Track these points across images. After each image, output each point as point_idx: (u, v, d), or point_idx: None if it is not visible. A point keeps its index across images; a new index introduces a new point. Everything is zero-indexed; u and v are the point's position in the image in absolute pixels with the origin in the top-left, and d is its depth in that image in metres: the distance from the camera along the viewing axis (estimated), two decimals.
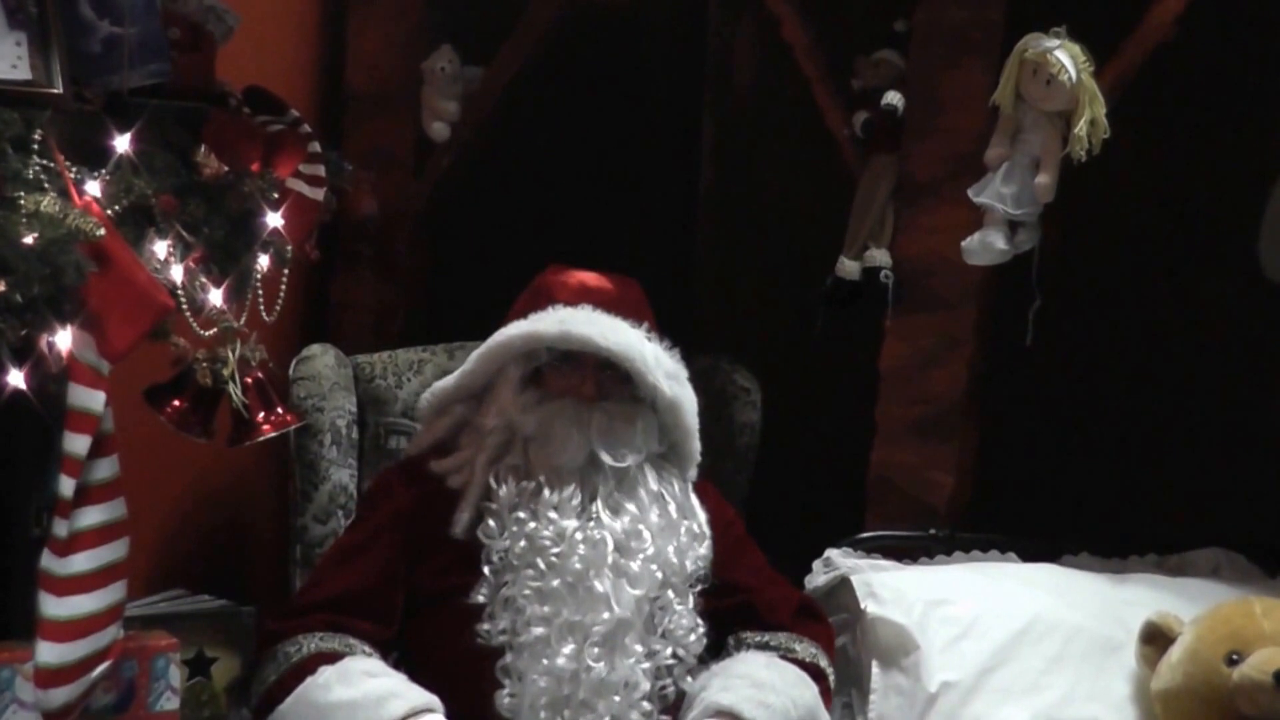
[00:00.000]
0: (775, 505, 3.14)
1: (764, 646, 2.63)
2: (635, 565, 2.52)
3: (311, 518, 2.99)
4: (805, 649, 2.65)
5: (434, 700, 2.43)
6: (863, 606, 2.85)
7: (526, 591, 2.48)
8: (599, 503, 2.55)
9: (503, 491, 2.55)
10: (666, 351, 2.62)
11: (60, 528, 2.33)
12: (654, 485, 2.60)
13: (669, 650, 2.54)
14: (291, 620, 2.57)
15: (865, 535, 3.06)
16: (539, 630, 2.47)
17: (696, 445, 2.68)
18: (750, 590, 2.67)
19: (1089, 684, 2.82)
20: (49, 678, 2.34)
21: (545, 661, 2.45)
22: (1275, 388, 3.39)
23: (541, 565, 2.49)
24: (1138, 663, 2.83)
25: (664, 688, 2.54)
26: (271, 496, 3.36)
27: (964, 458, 3.11)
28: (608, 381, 2.59)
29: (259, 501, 3.47)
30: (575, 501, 2.54)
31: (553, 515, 2.52)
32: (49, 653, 2.33)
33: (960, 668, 2.80)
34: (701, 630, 2.59)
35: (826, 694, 2.65)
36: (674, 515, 2.60)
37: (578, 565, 2.49)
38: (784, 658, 2.62)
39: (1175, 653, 2.75)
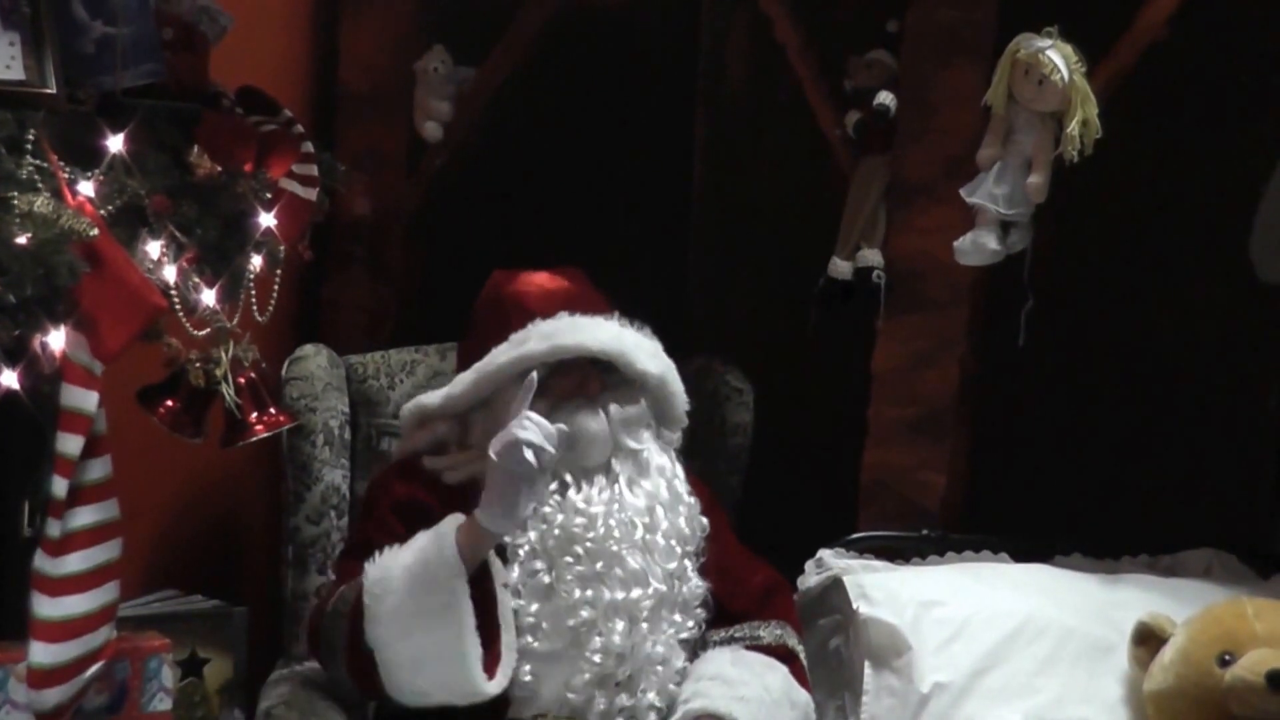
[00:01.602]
0: (768, 506, 3.14)
1: (729, 641, 2.68)
2: (660, 540, 2.60)
3: (304, 518, 2.98)
4: (770, 632, 2.70)
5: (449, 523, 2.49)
6: (855, 607, 2.85)
7: (569, 577, 2.54)
8: (620, 485, 2.62)
9: None
10: (639, 331, 2.70)
11: (53, 528, 2.33)
12: (659, 460, 2.68)
13: (689, 623, 2.62)
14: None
15: (858, 536, 3.06)
16: (586, 614, 2.53)
17: (683, 402, 2.75)
18: (710, 575, 2.69)
19: (1081, 685, 2.82)
20: (42, 678, 2.34)
21: (600, 639, 2.52)
22: (1266, 388, 3.38)
23: (580, 551, 2.55)
24: (1130, 664, 2.83)
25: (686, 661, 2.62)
26: (264, 497, 3.36)
27: (956, 458, 3.11)
28: (601, 373, 2.66)
29: (251, 502, 3.46)
30: (604, 495, 2.60)
31: (580, 506, 2.58)
32: (42, 653, 2.33)
33: (952, 669, 2.80)
34: (708, 600, 2.66)
35: (800, 672, 2.69)
36: (678, 488, 2.68)
37: (613, 548, 2.56)
38: (751, 647, 2.67)
39: (1167, 654, 2.75)
